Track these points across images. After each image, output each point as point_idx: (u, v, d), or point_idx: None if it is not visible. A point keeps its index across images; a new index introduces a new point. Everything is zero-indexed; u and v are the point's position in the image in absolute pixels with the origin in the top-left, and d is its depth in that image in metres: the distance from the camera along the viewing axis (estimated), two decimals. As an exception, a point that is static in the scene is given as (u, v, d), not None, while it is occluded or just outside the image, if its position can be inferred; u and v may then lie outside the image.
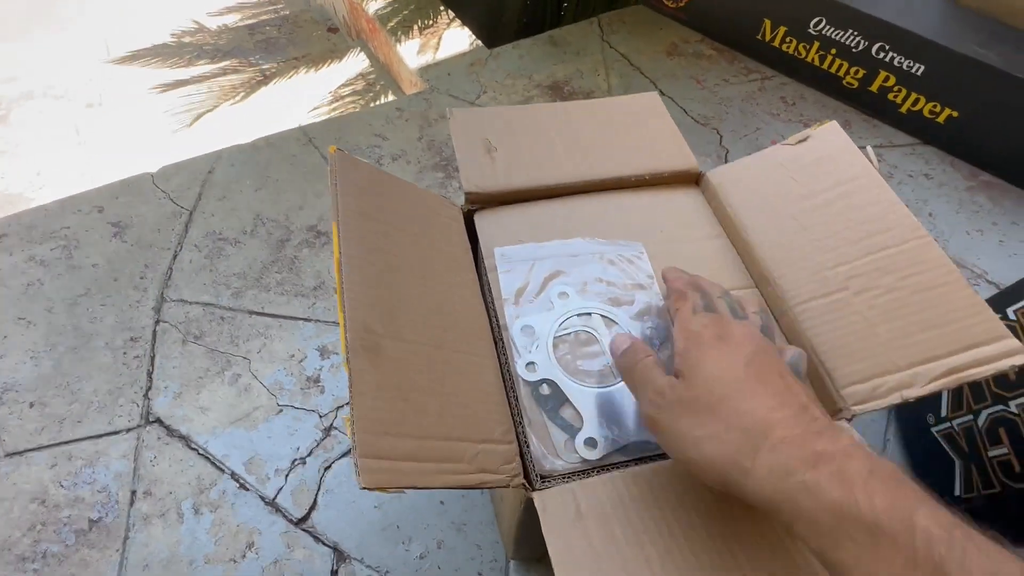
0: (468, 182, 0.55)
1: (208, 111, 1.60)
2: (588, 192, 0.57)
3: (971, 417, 0.63)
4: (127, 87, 1.78)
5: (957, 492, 0.64)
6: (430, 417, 0.38)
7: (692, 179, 0.59)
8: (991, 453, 0.60)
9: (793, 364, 0.36)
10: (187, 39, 2.01)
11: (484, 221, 0.55)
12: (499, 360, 0.46)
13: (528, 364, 0.44)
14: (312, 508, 0.71)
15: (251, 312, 0.88)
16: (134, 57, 1.94)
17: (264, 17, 2.15)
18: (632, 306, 0.49)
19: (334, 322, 0.87)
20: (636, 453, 0.40)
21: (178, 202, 1.03)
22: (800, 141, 0.56)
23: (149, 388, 0.81)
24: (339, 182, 0.45)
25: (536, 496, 0.38)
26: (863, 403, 0.43)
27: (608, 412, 0.42)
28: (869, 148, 0.54)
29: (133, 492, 0.72)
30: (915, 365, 0.43)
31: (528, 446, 0.41)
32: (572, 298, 0.49)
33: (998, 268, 0.95)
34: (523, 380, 0.44)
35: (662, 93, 1.21)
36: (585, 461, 0.40)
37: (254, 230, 0.99)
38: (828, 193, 0.52)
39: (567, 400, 0.43)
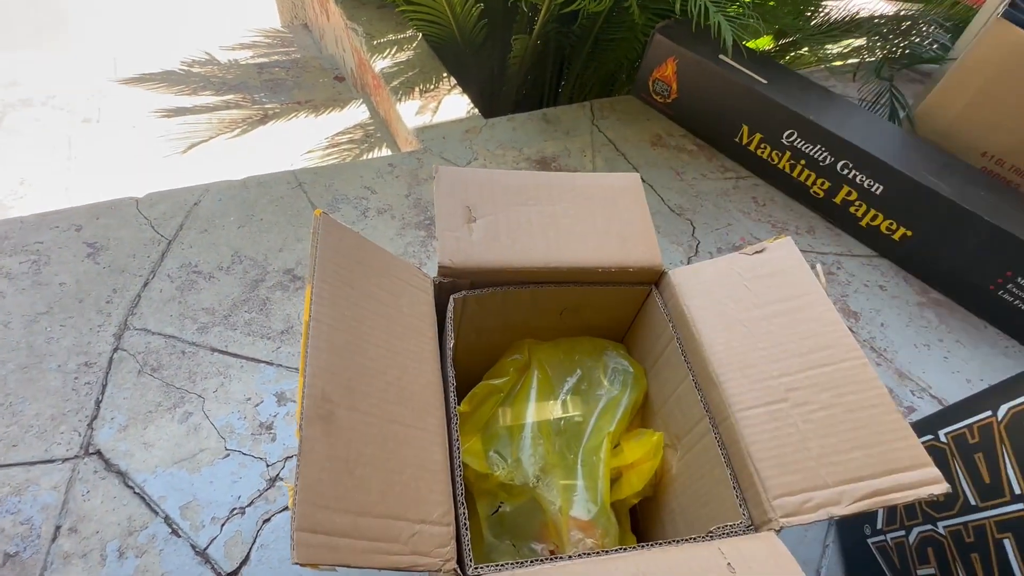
0: (444, 255, 0.58)
1: (203, 142, 1.62)
2: (555, 283, 0.60)
3: (903, 533, 0.65)
4: (128, 108, 1.80)
5: (888, 607, 0.65)
6: (372, 494, 0.38)
7: (655, 276, 0.62)
8: (920, 572, 0.61)
9: None
10: (196, 69, 2.06)
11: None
12: (449, 436, 0.47)
13: None
14: (244, 562, 0.69)
15: (214, 349, 0.88)
16: (140, 79, 1.97)
17: (275, 57, 2.22)
18: None
19: (296, 368, 0.86)
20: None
21: (159, 230, 1.04)
22: (757, 252, 0.60)
23: (95, 417, 0.79)
24: (320, 245, 0.47)
25: (466, 583, 0.39)
26: (792, 516, 0.44)
27: None
28: (819, 266, 0.58)
29: (57, 527, 0.69)
30: (842, 483, 0.45)
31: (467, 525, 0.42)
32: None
33: (942, 383, 1.00)
34: None
35: (643, 180, 1.27)
36: None
37: (230, 267, 1.00)
38: (777, 305, 0.55)
39: None
